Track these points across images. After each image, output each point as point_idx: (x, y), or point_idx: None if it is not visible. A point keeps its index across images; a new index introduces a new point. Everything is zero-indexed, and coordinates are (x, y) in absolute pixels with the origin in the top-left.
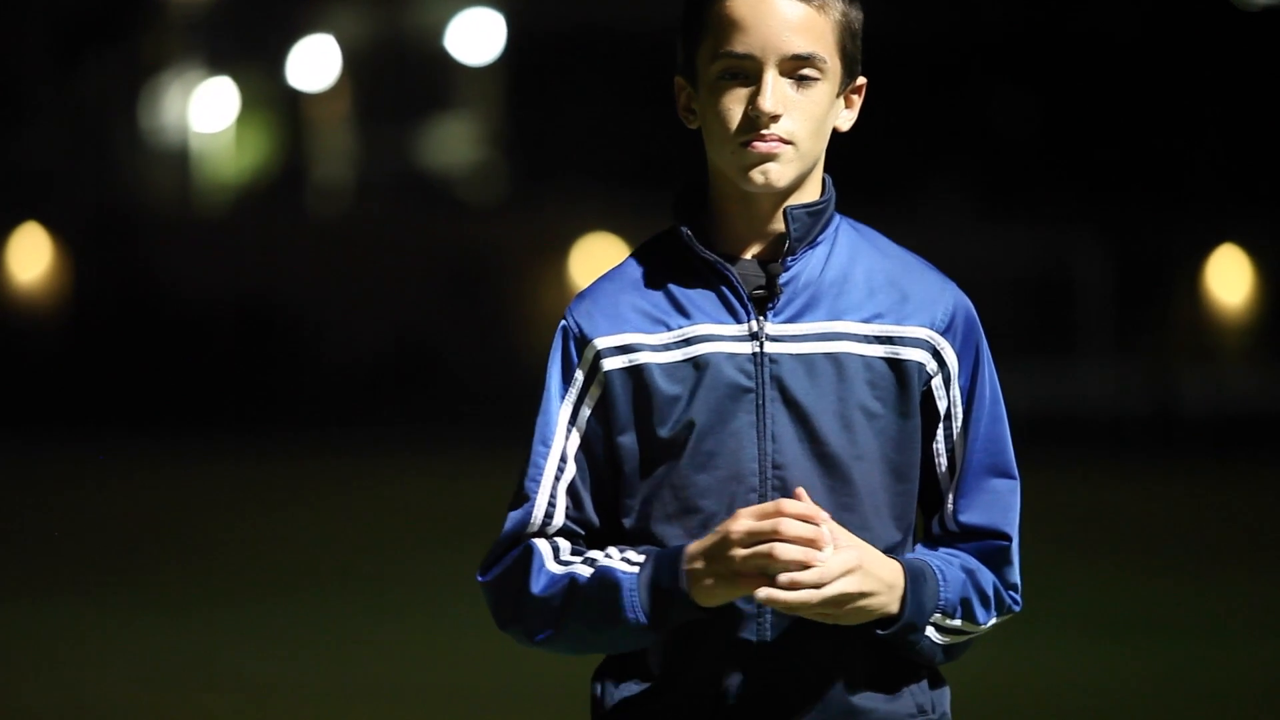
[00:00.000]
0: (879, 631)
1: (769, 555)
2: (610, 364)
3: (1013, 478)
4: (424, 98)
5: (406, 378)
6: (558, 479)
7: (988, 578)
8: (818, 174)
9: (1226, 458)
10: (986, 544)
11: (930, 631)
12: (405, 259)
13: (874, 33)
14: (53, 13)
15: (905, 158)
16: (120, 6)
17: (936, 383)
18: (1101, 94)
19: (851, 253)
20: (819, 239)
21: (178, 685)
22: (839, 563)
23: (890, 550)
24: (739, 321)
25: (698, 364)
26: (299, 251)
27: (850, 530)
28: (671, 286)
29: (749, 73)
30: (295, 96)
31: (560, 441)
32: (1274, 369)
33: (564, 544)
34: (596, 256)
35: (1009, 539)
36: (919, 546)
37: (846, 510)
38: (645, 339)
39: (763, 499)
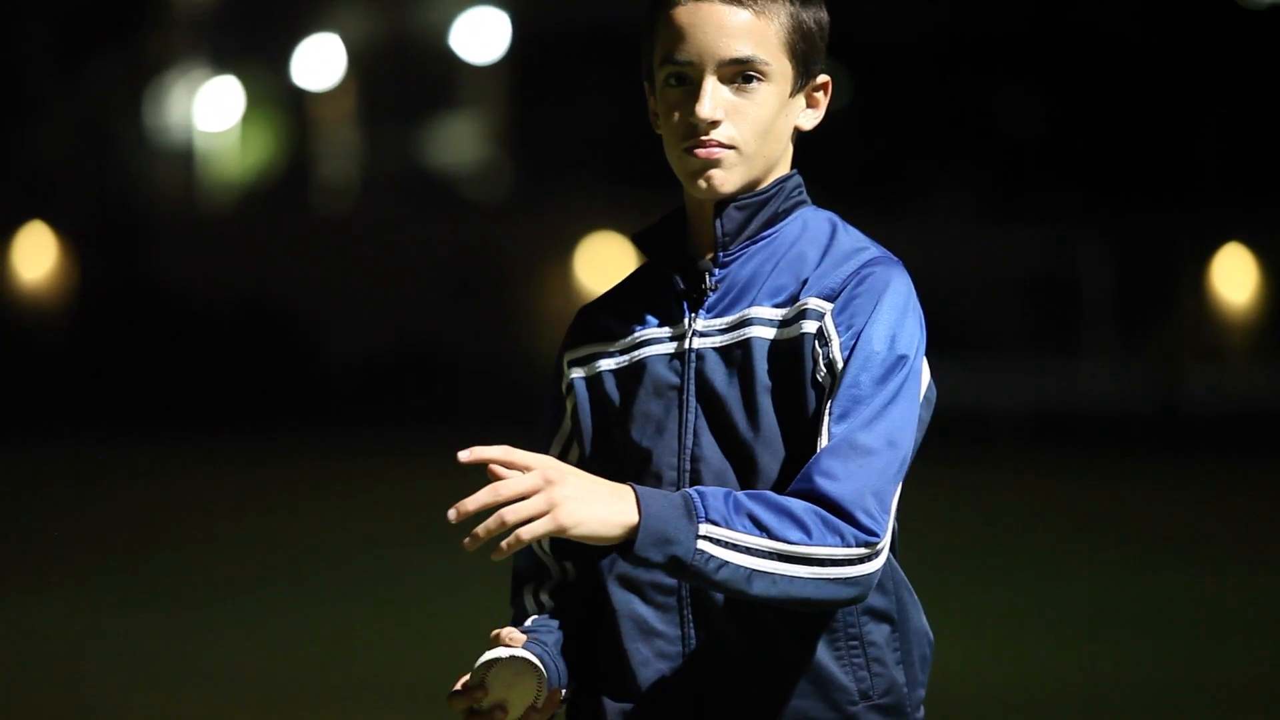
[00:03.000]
0: (630, 550)
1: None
2: (575, 374)
3: (854, 443)
4: (429, 96)
5: (411, 376)
6: None
7: (796, 503)
8: (775, 175)
9: (1231, 456)
10: (800, 489)
11: (707, 545)
12: (410, 258)
13: (877, 32)
14: (58, 12)
15: (909, 158)
16: (125, 5)
17: (822, 353)
18: (1106, 93)
19: (793, 242)
20: (763, 234)
21: (180, 684)
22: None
23: None
24: (676, 322)
25: (639, 368)
26: (304, 250)
27: None
28: (643, 293)
29: (691, 79)
30: (300, 95)
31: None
32: (1278, 366)
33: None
34: (601, 255)
35: (822, 497)
36: None
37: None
38: (605, 348)
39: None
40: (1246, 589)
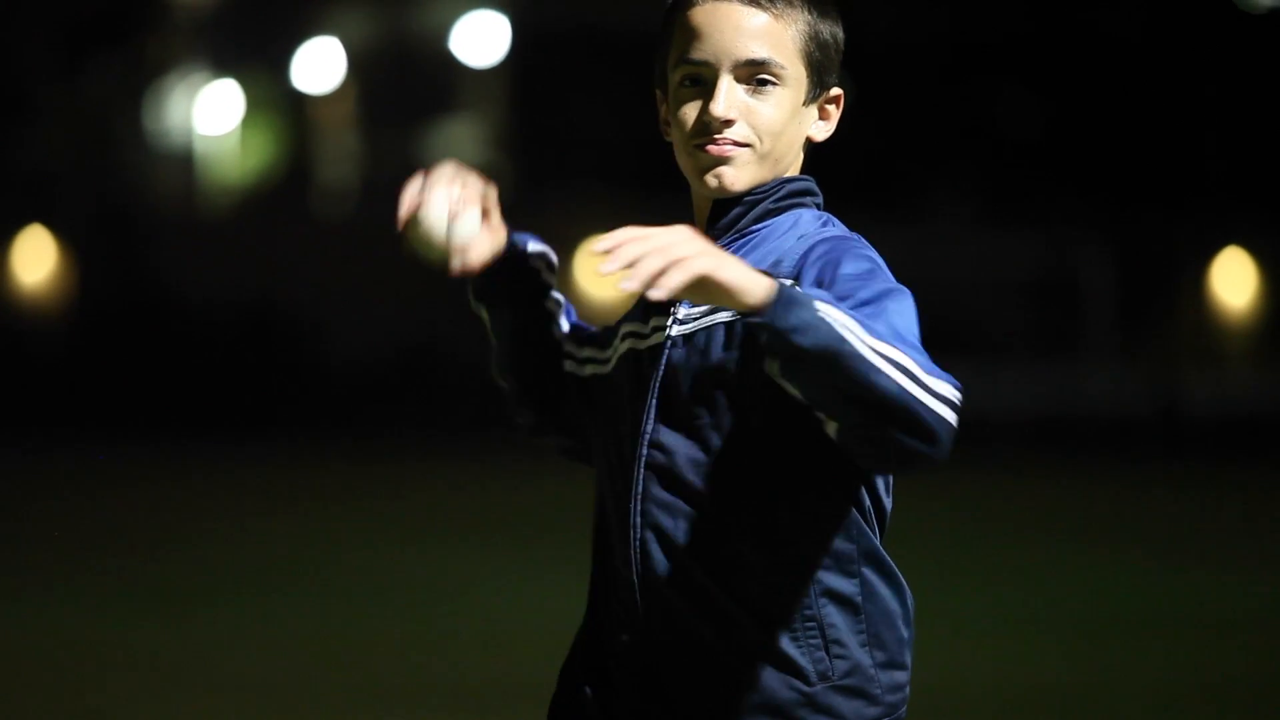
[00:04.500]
0: (751, 319)
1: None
2: (585, 371)
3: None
4: (429, 100)
5: (411, 380)
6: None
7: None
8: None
9: (1231, 460)
10: None
11: (823, 310)
12: (410, 262)
13: (877, 33)
14: (58, 14)
15: (910, 161)
16: (125, 9)
17: None
18: (1106, 97)
19: (780, 235)
20: (754, 228)
21: (180, 687)
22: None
23: (766, 517)
24: (662, 313)
25: (625, 358)
26: (304, 254)
27: (716, 500)
28: None
29: (706, 79)
30: (300, 99)
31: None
32: (1278, 370)
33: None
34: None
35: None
36: None
37: (707, 480)
38: (596, 352)
39: (631, 477)
40: (1247, 590)
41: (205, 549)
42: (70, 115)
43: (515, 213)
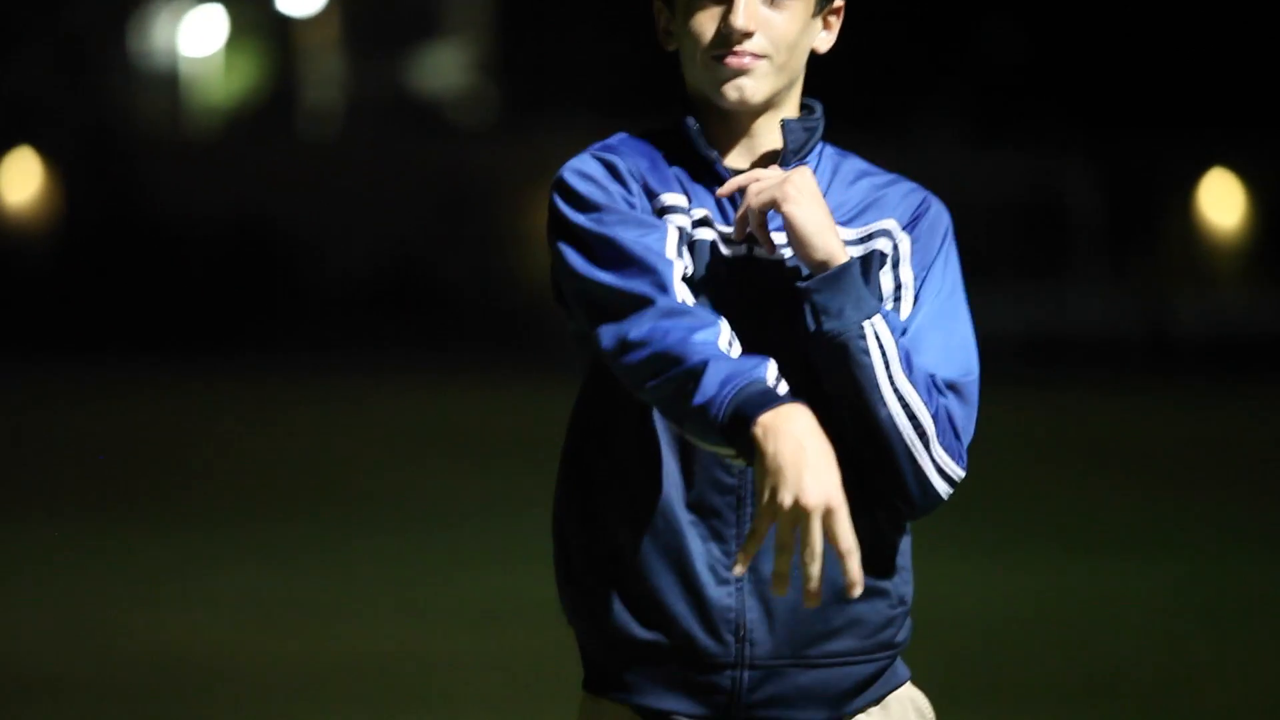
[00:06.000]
0: (803, 283)
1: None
2: (679, 221)
3: (939, 389)
4: (414, 23)
5: (398, 299)
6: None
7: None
8: (796, 93)
9: (1219, 378)
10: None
11: (869, 330)
12: (396, 183)
13: None
14: None
15: (897, 85)
16: None
17: (887, 267)
18: (1091, 19)
19: (835, 168)
20: (806, 156)
21: (174, 602)
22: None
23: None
24: (730, 223)
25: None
26: (290, 175)
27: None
28: (680, 173)
29: None
30: (285, 22)
31: (673, 248)
32: (1265, 290)
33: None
34: None
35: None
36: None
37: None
38: (696, 211)
39: None
40: (1234, 508)
41: (196, 466)
42: (56, 38)
43: (502, 135)
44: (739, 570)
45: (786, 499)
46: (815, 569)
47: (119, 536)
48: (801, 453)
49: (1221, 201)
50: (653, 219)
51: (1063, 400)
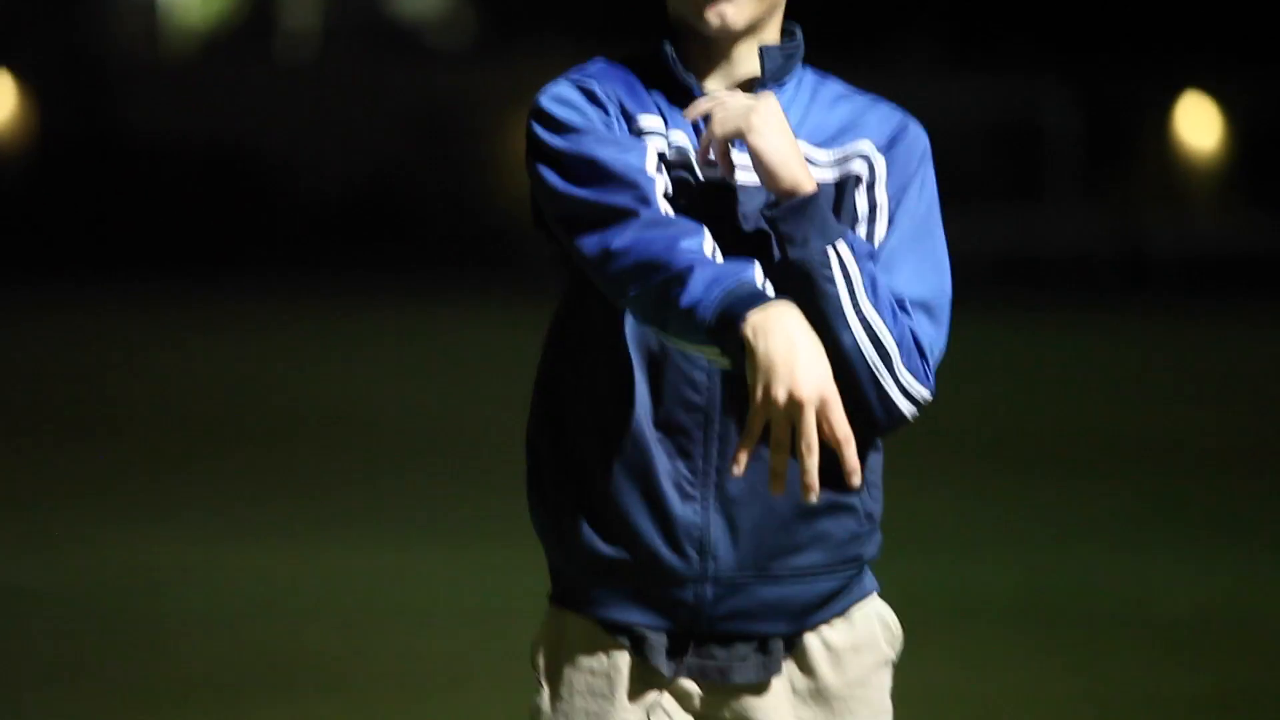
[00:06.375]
0: (768, 211)
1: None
2: (658, 145)
3: (906, 310)
4: None
5: (373, 222)
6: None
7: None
8: (777, 18)
9: (1194, 300)
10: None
11: (833, 257)
12: (373, 107)
13: None
14: None
15: (874, 7)
16: None
17: (862, 189)
18: None
19: (813, 91)
20: (786, 81)
21: (158, 525)
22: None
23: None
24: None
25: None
26: (268, 97)
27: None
28: (658, 97)
29: None
30: None
31: (653, 165)
32: (1240, 213)
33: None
34: None
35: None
36: None
37: None
38: (674, 134)
39: None
40: (1212, 427)
41: (168, 388)
42: None
43: (478, 60)
44: (737, 471)
45: (780, 394)
46: (812, 461)
47: (88, 458)
48: (793, 348)
49: (1197, 124)
50: (632, 139)
51: (1036, 318)
